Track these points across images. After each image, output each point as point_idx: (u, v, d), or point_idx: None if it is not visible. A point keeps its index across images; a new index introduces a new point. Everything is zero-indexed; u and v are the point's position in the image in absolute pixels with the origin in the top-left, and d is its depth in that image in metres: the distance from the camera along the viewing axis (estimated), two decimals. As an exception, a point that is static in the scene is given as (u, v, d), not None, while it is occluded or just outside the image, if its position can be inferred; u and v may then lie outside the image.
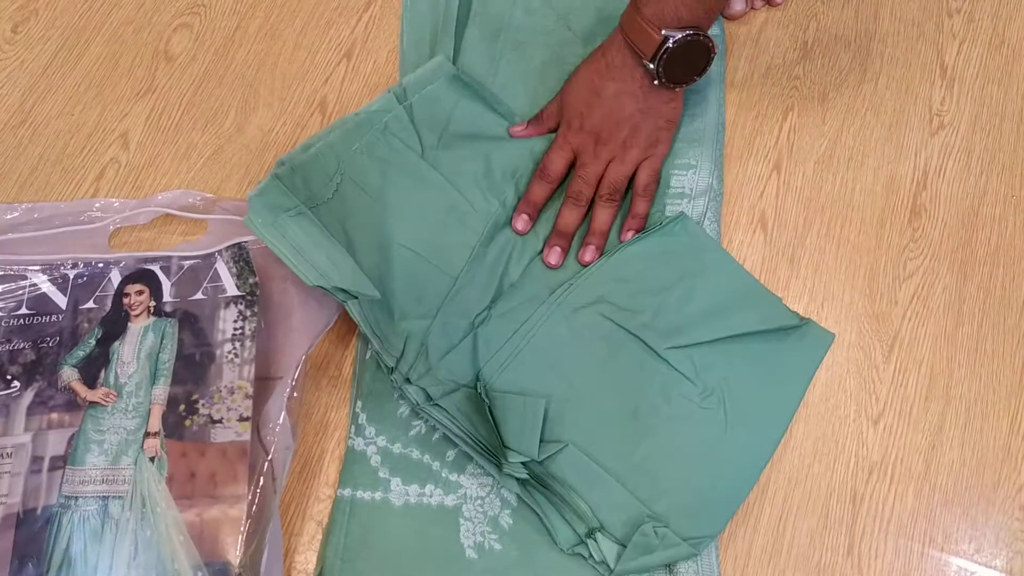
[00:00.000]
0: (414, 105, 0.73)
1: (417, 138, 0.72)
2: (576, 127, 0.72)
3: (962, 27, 0.85)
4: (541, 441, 0.63)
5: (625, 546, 0.61)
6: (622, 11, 0.70)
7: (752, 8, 0.84)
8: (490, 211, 0.71)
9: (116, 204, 0.73)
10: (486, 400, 0.63)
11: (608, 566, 0.61)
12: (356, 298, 0.65)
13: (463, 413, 0.65)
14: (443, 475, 0.65)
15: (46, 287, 0.68)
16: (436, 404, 0.65)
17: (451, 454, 0.66)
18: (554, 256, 0.71)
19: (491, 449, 0.64)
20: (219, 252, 0.69)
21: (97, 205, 0.73)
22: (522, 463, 0.63)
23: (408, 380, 0.66)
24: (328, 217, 0.68)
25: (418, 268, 0.68)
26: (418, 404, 0.65)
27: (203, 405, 0.63)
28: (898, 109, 0.81)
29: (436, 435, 0.66)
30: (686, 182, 0.76)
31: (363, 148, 0.70)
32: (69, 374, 0.65)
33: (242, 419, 0.63)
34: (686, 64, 0.69)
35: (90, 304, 0.67)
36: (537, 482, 0.64)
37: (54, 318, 0.67)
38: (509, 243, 0.71)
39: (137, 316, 0.67)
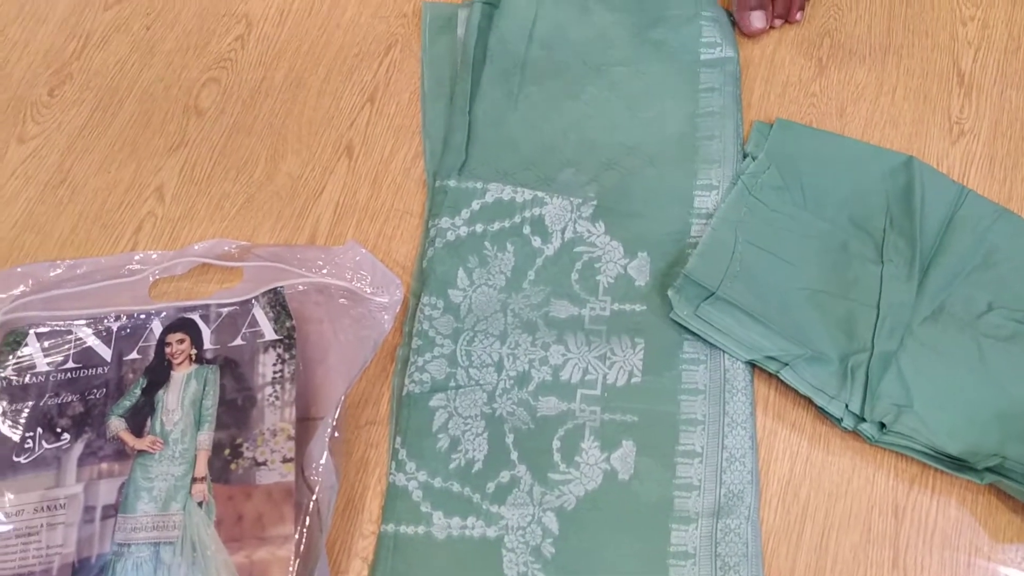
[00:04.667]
0: (775, 165, 0.77)
1: (790, 193, 0.76)
2: None
3: (976, 34, 0.86)
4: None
5: None
6: (632, 41, 0.72)
7: (772, 27, 0.85)
8: (868, 244, 0.75)
9: (155, 256, 0.75)
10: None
11: None
12: (787, 364, 0.69)
13: (920, 433, 0.67)
14: (484, 507, 0.66)
15: (91, 340, 0.70)
16: (893, 432, 0.67)
17: (491, 486, 0.67)
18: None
19: (955, 456, 0.66)
20: (255, 298, 0.71)
21: (136, 258, 0.75)
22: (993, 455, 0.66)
23: (862, 419, 0.68)
24: (740, 290, 0.70)
25: (839, 308, 0.71)
26: (872, 438, 0.68)
27: (247, 448, 0.65)
28: (917, 120, 0.82)
29: (476, 467, 0.67)
30: (708, 202, 0.77)
31: (750, 211, 0.74)
32: (117, 424, 0.66)
33: (286, 460, 0.64)
34: None
35: (134, 355, 0.69)
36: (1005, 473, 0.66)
37: (100, 370, 0.69)
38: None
39: (179, 364, 0.69)
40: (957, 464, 0.66)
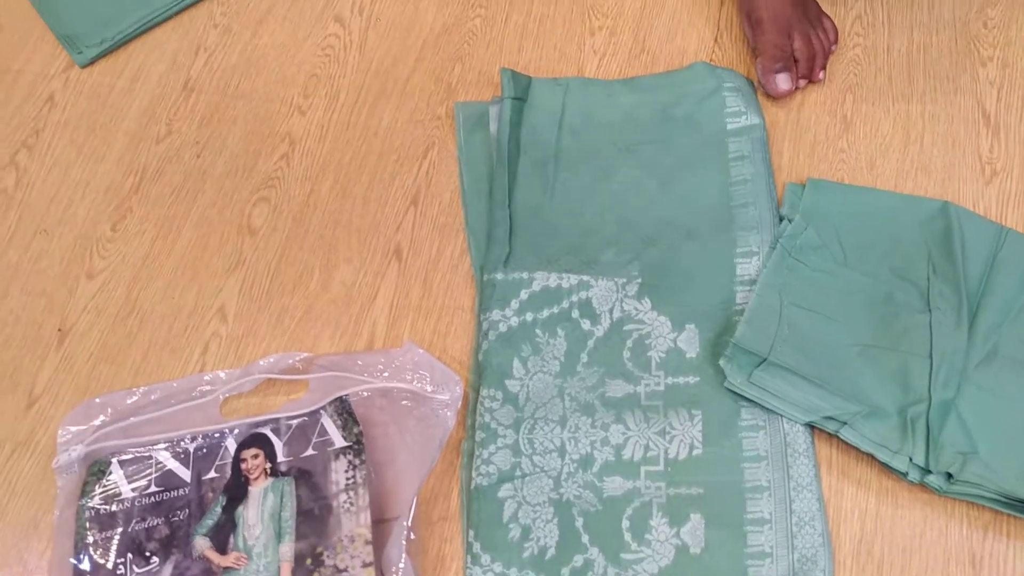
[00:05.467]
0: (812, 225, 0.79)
1: (829, 251, 0.78)
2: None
3: (998, 74, 0.87)
4: None
5: None
6: (658, 119, 0.75)
7: (796, 87, 0.87)
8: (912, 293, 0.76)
9: (223, 376, 0.78)
10: None
11: None
12: (846, 423, 0.70)
13: (989, 479, 0.67)
14: (561, 593, 0.67)
15: (171, 463, 0.73)
16: (960, 481, 0.67)
17: (565, 572, 0.68)
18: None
19: None
20: (323, 408, 0.74)
21: (206, 379, 0.78)
22: None
23: (928, 470, 0.68)
24: (791, 353, 0.72)
25: (891, 361, 0.72)
26: (940, 489, 0.68)
27: (327, 556, 0.67)
28: (948, 164, 0.83)
29: (549, 554, 0.69)
30: (750, 269, 0.78)
31: (792, 273, 0.76)
32: (201, 543, 0.69)
33: (365, 565, 0.66)
34: None
35: (212, 473, 0.72)
36: None
37: (181, 492, 0.72)
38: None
39: (256, 479, 0.71)
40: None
